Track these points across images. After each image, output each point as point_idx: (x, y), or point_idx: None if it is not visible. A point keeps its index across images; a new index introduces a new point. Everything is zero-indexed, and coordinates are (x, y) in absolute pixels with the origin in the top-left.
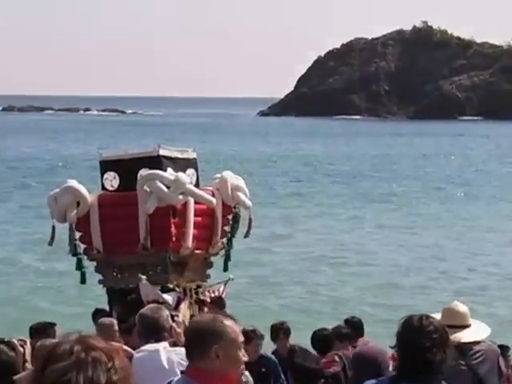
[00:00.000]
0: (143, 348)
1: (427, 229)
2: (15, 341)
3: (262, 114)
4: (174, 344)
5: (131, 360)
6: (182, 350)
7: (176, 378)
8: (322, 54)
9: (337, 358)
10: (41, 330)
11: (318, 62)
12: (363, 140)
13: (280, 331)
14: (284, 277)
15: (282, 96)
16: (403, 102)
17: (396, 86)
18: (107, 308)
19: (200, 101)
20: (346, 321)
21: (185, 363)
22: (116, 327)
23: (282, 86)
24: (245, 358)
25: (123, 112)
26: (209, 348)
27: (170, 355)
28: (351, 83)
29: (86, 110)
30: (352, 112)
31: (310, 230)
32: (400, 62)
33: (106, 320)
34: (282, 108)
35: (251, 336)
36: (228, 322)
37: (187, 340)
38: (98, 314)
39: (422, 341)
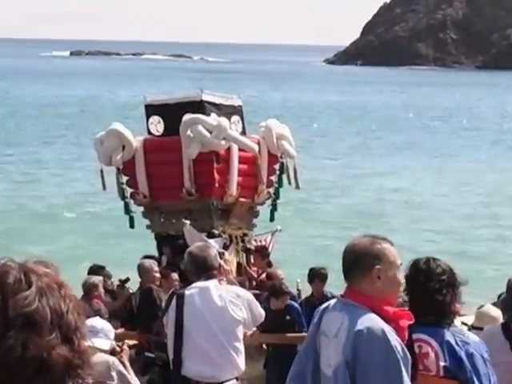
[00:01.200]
0: (194, 285)
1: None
2: None
3: (328, 61)
4: (222, 282)
5: (183, 296)
6: (233, 287)
7: (333, 302)
8: (388, 1)
9: None
10: (92, 273)
11: (384, 9)
12: (431, 90)
13: (316, 276)
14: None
15: (348, 44)
16: (470, 51)
17: (463, 34)
18: (156, 254)
19: (266, 47)
20: None
21: (236, 301)
22: (156, 269)
23: (350, 34)
24: (402, 280)
25: (190, 57)
26: (369, 270)
27: (222, 293)
28: (417, 31)
29: (153, 54)
30: (418, 61)
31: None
32: (467, 9)
33: (146, 262)
34: (348, 56)
35: (281, 291)
36: (386, 245)
37: (346, 263)
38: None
39: (431, 283)
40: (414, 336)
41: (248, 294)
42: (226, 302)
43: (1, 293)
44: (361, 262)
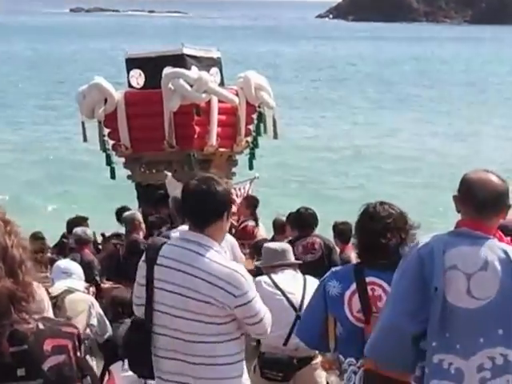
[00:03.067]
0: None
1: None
2: None
3: (320, 17)
4: None
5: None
6: None
7: (446, 236)
8: None
9: (316, 245)
10: (76, 223)
11: None
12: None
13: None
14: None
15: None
16: (461, 5)
17: None
18: (136, 203)
19: (261, 4)
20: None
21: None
22: (141, 219)
23: None
24: None
25: (186, 13)
26: (507, 208)
27: None
28: None
29: (151, 12)
30: (410, 16)
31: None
32: None
33: (130, 214)
34: (340, 11)
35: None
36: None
37: (486, 198)
38: (121, 211)
39: (375, 225)
40: (368, 279)
41: (231, 238)
42: None
43: None
44: (502, 200)
